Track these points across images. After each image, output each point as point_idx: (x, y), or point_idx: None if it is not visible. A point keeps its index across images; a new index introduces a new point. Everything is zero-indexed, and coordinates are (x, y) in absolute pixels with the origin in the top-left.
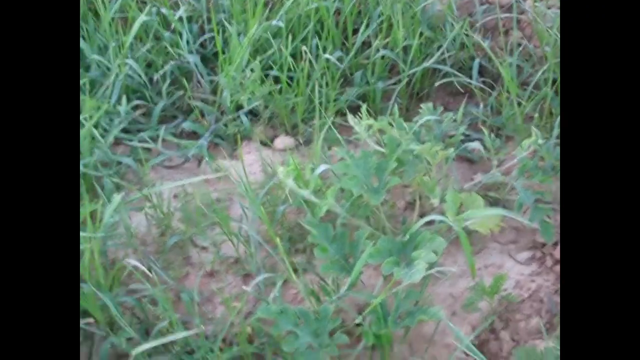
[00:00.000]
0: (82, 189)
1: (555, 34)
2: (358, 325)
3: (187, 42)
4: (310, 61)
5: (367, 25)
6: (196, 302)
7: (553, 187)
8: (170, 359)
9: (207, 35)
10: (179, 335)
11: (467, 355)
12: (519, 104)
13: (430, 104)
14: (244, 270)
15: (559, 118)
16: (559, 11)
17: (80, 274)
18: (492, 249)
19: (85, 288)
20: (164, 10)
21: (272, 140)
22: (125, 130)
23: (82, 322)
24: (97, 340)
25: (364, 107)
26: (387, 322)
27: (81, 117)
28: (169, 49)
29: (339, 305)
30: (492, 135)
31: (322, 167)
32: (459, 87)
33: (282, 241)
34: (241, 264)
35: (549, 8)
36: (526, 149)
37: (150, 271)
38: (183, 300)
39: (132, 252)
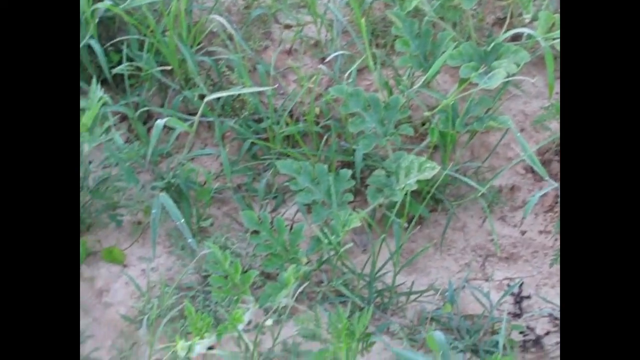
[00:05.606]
0: None
1: None
2: (424, 124)
3: None
4: None
5: None
6: (271, 75)
7: None
8: (238, 122)
9: None
10: (250, 89)
11: (525, 172)
12: None
13: None
14: (322, 54)
15: None
16: None
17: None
18: None
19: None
20: None
21: None
22: None
23: (159, 68)
24: (170, 92)
25: None
26: (454, 123)
27: None
28: None
29: (411, 99)
30: None
31: None
32: None
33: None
34: (320, 48)
35: None
36: None
37: (230, 39)
38: (258, 72)
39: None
